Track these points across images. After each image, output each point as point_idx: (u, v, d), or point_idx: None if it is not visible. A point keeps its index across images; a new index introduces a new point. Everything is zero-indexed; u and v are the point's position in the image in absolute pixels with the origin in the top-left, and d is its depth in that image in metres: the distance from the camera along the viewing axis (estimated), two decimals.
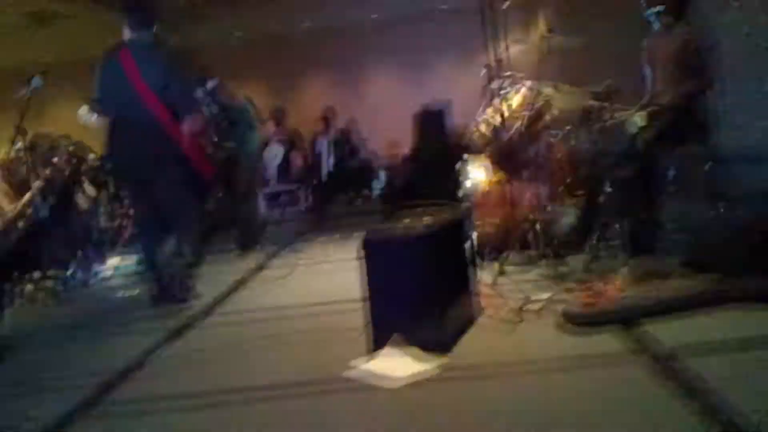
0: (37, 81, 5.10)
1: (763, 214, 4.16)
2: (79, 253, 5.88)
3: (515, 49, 4.61)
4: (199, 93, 6.05)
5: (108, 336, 3.94)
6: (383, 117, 11.28)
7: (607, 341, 2.78)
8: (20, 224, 5.79)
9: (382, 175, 9.91)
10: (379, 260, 2.92)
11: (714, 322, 2.85)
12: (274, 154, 9.92)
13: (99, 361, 3.40)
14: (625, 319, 2.97)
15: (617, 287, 3.47)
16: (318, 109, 10.55)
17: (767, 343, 2.57)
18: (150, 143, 4.29)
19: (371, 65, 12.31)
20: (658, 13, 4.44)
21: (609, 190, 4.06)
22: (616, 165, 4.14)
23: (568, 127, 4.79)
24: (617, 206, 4.01)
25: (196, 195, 4.82)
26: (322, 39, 11.98)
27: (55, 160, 5.95)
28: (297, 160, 10.09)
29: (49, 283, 5.43)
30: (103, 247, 6.28)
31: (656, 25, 4.54)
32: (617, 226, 3.98)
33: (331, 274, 4.97)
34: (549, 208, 4.61)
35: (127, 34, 4.41)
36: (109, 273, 6.04)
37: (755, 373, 2.29)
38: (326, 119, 10.16)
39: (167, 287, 4.39)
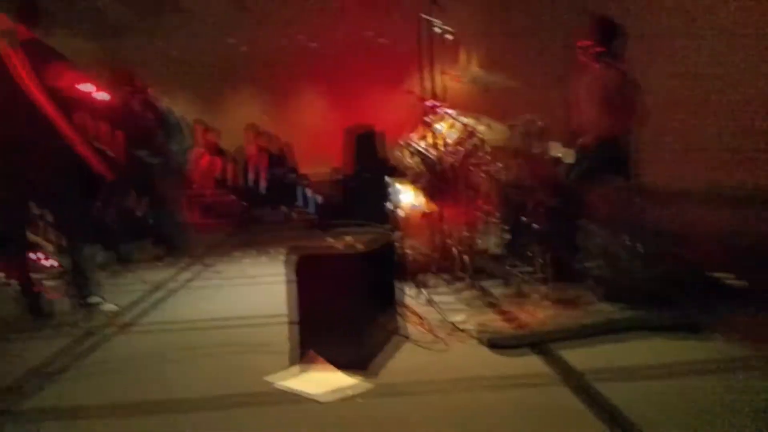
0: None
1: (674, 248, 4.36)
2: None
3: (445, 81, 4.69)
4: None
5: (19, 341, 3.76)
6: (311, 136, 11.32)
7: (523, 364, 2.85)
8: None
9: (311, 193, 9.93)
10: (306, 277, 2.93)
11: (624, 349, 2.97)
12: (209, 163, 9.84)
13: (7, 367, 3.24)
14: (542, 343, 3.05)
15: (535, 313, 3.56)
16: (246, 122, 10.49)
17: (673, 370, 2.69)
18: (49, 152, 4.11)
19: (301, 86, 12.33)
20: (586, 49, 4.57)
21: (533, 218, 4.16)
22: (541, 195, 4.25)
23: (499, 164, 4.90)
24: (540, 234, 4.11)
25: (85, 196, 4.73)
26: (254, 59, 11.96)
27: None
28: (231, 173, 9.99)
29: None
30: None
31: (587, 61, 4.66)
32: (540, 254, 4.08)
33: (251, 289, 4.90)
34: (475, 234, 4.70)
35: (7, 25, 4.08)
36: None
37: (661, 398, 2.39)
38: (259, 136, 10.14)
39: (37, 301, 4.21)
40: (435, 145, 4.45)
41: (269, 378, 2.77)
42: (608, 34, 4.58)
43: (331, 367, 2.79)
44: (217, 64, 12.01)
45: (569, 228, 4.41)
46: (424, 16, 4.38)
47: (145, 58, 11.31)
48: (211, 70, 12.06)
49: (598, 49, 4.55)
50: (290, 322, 2.95)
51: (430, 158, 4.56)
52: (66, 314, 4.19)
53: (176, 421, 2.49)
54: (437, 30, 4.46)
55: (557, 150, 4.44)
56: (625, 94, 4.51)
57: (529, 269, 4.22)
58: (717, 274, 3.84)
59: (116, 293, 4.64)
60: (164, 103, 6.72)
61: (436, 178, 4.52)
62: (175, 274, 5.57)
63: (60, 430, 2.46)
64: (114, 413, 2.59)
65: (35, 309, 4.17)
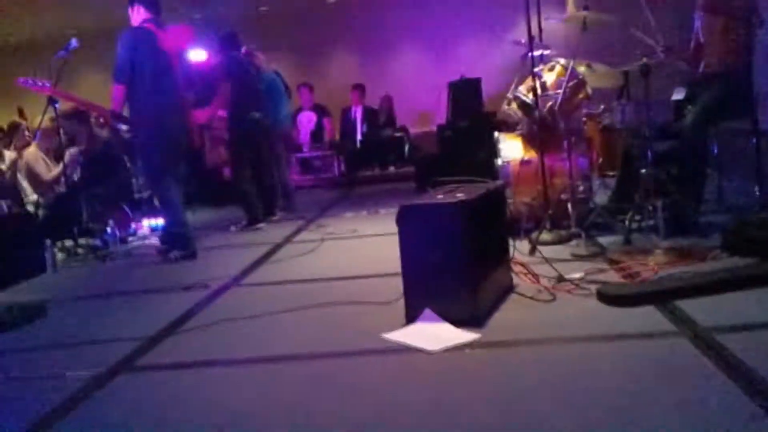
0: (74, 43, 5.22)
1: None
2: (116, 212, 6.07)
3: (548, 24, 4.54)
4: (237, 56, 6.17)
5: (140, 297, 4.06)
6: (412, 90, 11.24)
7: (642, 319, 2.74)
8: (58, 188, 5.97)
9: (411, 147, 9.91)
10: (414, 230, 2.90)
11: (751, 304, 2.80)
12: (307, 120, 10.00)
13: (130, 322, 3.48)
14: (661, 298, 2.92)
15: (653, 267, 3.43)
16: (345, 82, 10.55)
17: None
18: (182, 110, 5.06)
19: (399, 38, 12.21)
20: None
21: (646, 166, 3.98)
22: (655, 140, 4.06)
23: (602, 106, 4.73)
24: (655, 183, 3.94)
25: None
26: (349, 11, 11.91)
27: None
28: (328, 128, 10.14)
29: (88, 241, 5.62)
30: (140, 207, 6.44)
31: None
32: (654, 204, 3.92)
33: (360, 248, 4.97)
34: (585, 184, 4.56)
35: (143, 14, 4.95)
36: (145, 231, 6.23)
37: None
38: (358, 90, 10.19)
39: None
40: (533, 89, 4.32)
41: (385, 335, 2.80)
42: None
43: (447, 324, 2.79)
44: (309, 18, 12.07)
45: (688, 175, 4.21)
46: None
47: (232, 14, 11.53)
48: (304, 25, 12.13)
49: None
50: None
51: (528, 102, 4.44)
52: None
53: (282, 373, 2.59)
54: None
55: (679, 93, 4.19)
56: (745, 25, 4.21)
57: (645, 220, 4.07)
58: None
59: (231, 255, 4.91)
60: (268, 66, 6.83)
61: (535, 124, 4.40)
62: (288, 235, 5.71)
63: (191, 379, 2.60)
64: (230, 366, 2.71)
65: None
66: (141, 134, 4.99)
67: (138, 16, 4.95)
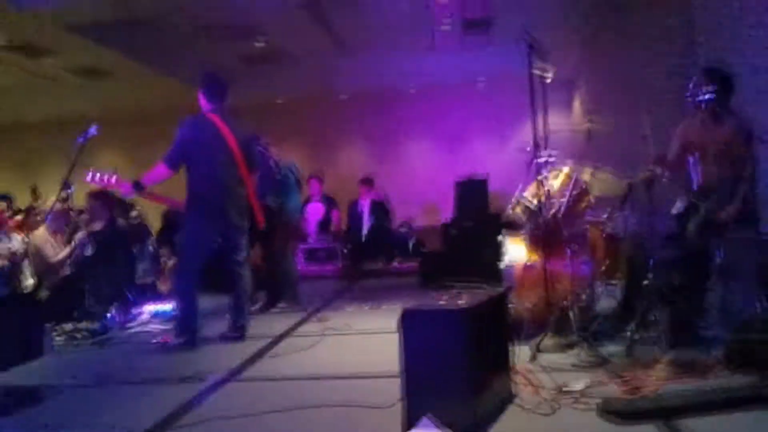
0: (92, 130, 5.35)
1: None
2: (119, 297, 6.06)
3: (555, 130, 4.66)
4: (258, 149, 6.32)
5: (136, 387, 3.99)
6: (418, 184, 11.43)
7: None
8: (63, 271, 6.01)
9: (415, 242, 9.98)
10: (416, 334, 2.89)
11: (751, 423, 2.76)
12: (315, 211, 10.11)
13: (125, 413, 3.43)
14: (665, 413, 2.89)
15: (657, 379, 3.38)
16: (354, 173, 10.74)
17: None
18: (241, 197, 5.14)
19: (408, 133, 12.51)
20: (709, 100, 4.35)
21: (651, 274, 3.99)
22: (661, 248, 4.08)
23: (608, 211, 4.79)
24: (659, 291, 3.93)
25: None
26: (361, 106, 12.27)
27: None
28: (336, 220, 10.24)
29: (87, 325, 5.58)
30: (142, 292, 6.43)
31: (704, 108, 4.43)
32: (657, 314, 3.90)
33: (359, 346, 4.90)
34: (588, 291, 4.55)
35: (206, 103, 5.19)
36: (146, 318, 6.18)
37: None
38: (366, 184, 10.35)
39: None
40: (537, 195, 4.39)
41: None
42: (726, 86, 4.39)
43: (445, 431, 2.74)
44: (321, 110, 12.40)
45: (691, 285, 4.21)
46: (535, 72, 4.36)
47: (250, 105, 11.86)
48: (316, 117, 12.46)
49: (721, 99, 4.35)
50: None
51: (531, 208, 4.50)
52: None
53: None
54: (543, 76, 4.44)
55: (679, 206, 4.25)
56: (746, 147, 4.31)
57: (648, 331, 4.04)
58: None
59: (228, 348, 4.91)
60: (285, 157, 6.98)
61: (538, 229, 4.44)
62: (288, 329, 5.62)
63: None
64: None
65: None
66: (187, 217, 5.08)
67: (203, 102, 5.21)
